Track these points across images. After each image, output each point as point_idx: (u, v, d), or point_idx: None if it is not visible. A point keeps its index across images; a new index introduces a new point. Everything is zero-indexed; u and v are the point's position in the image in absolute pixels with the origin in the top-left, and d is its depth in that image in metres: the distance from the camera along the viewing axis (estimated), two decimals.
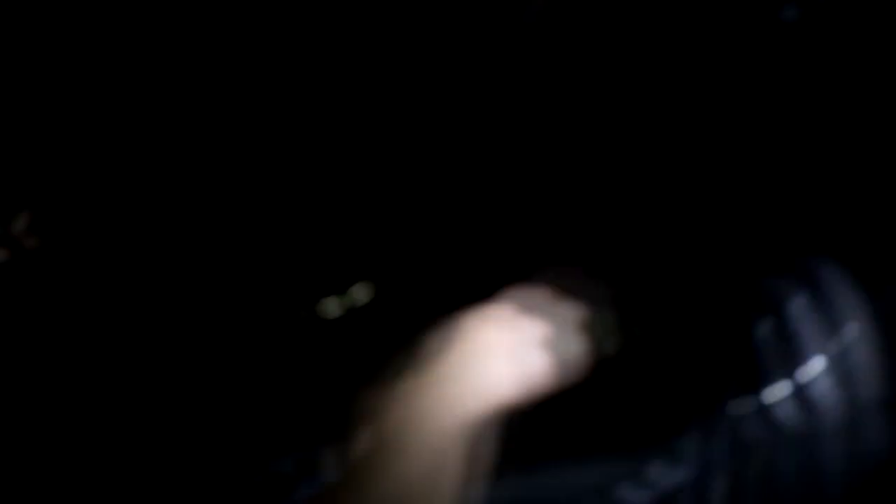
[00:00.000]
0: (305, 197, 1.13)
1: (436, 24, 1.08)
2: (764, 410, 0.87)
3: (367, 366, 0.98)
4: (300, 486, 1.01)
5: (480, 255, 1.13)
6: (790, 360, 0.87)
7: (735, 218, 1.05)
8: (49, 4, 1.07)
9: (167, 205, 1.08)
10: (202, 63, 1.07)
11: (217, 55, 1.07)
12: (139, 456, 1.00)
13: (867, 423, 0.86)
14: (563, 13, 1.07)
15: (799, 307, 0.88)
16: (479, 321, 0.83)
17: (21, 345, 0.96)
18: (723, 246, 1.04)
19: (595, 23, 1.08)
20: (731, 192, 1.05)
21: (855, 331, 0.86)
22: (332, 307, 1.12)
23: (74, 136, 1.05)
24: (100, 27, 1.06)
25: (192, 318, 1.06)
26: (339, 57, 1.10)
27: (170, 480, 0.99)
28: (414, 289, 1.14)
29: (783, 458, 0.86)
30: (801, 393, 0.86)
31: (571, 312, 0.85)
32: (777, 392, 0.87)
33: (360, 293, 1.13)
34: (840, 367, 0.86)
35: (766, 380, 0.88)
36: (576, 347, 0.84)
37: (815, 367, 0.87)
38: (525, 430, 0.84)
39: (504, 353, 0.82)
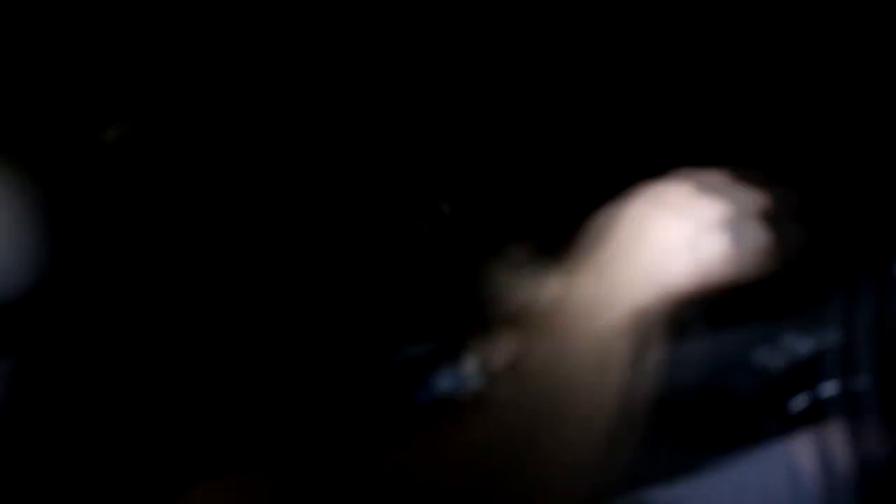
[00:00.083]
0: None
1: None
2: None
3: (517, 251, 0.97)
4: (436, 377, 1.00)
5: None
6: None
7: None
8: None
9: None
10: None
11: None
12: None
13: None
14: None
15: None
16: (650, 203, 0.76)
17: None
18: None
19: None
20: None
21: None
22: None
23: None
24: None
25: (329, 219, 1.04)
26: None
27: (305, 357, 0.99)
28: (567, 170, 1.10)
29: None
30: None
31: (754, 196, 0.77)
32: None
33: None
34: None
35: None
36: (758, 235, 0.76)
37: None
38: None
39: (678, 239, 0.75)
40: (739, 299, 0.88)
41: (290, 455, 0.77)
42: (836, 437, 0.88)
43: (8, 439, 0.83)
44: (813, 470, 0.89)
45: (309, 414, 0.91)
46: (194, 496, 0.72)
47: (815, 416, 0.90)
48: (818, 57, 1.07)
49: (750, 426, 0.93)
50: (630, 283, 0.74)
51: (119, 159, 0.95)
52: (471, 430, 0.72)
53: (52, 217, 0.92)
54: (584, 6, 1.09)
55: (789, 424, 0.92)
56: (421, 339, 1.01)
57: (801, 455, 0.91)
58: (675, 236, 0.74)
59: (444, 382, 1.00)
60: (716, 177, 0.77)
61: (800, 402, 0.92)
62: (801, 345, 0.95)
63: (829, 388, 0.90)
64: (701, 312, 0.93)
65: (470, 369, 1.00)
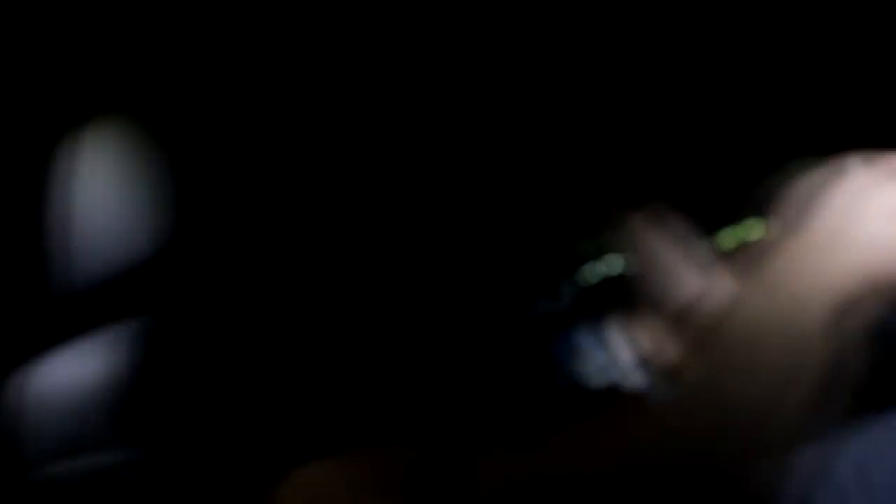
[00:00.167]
0: None
1: None
2: None
3: None
4: (584, 359, 0.96)
5: None
6: None
7: None
8: None
9: None
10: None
11: None
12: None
13: None
14: None
15: None
16: (864, 179, 0.64)
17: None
18: None
19: None
20: None
21: None
22: None
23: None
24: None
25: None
26: None
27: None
28: None
29: None
30: None
31: None
32: None
33: None
34: None
35: None
36: None
37: None
38: None
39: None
40: None
41: (427, 432, 0.74)
42: None
43: (137, 399, 0.86)
44: None
45: (446, 388, 0.83)
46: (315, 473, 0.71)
47: None
48: None
49: None
50: (838, 274, 0.62)
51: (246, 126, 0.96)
52: (639, 430, 0.65)
53: (180, 181, 0.94)
54: None
55: None
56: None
57: None
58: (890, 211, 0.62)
59: (594, 367, 0.93)
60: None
61: None
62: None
63: None
64: None
65: (623, 358, 0.94)
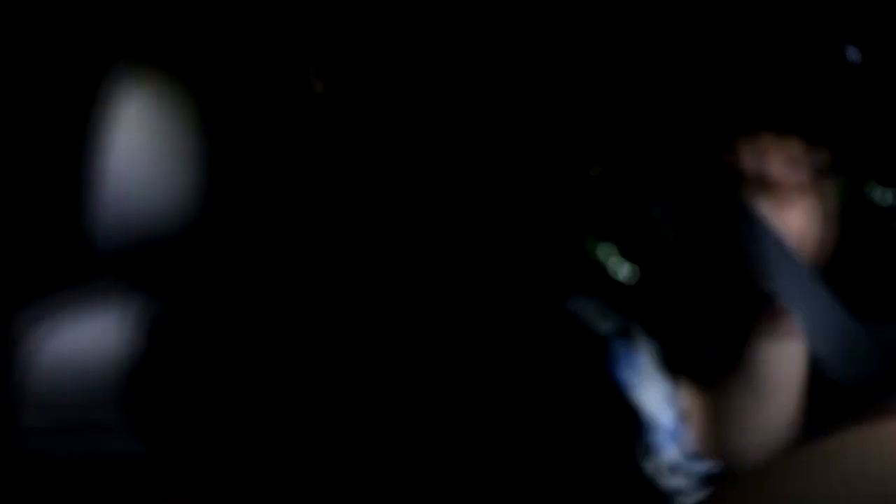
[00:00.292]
0: None
1: None
2: None
3: None
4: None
5: None
6: None
7: None
8: None
9: None
10: None
11: None
12: None
13: None
14: None
15: None
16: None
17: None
18: None
19: None
20: None
21: None
22: None
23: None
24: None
25: None
26: None
27: None
28: None
29: None
30: None
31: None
32: None
33: None
34: None
35: None
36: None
37: None
38: None
39: None
40: None
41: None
42: None
43: (155, 377, 0.84)
44: None
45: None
46: None
47: None
48: None
49: None
50: None
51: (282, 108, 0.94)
52: None
53: (213, 157, 0.93)
54: None
55: None
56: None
57: None
58: None
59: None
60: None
61: None
62: None
63: None
64: None
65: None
